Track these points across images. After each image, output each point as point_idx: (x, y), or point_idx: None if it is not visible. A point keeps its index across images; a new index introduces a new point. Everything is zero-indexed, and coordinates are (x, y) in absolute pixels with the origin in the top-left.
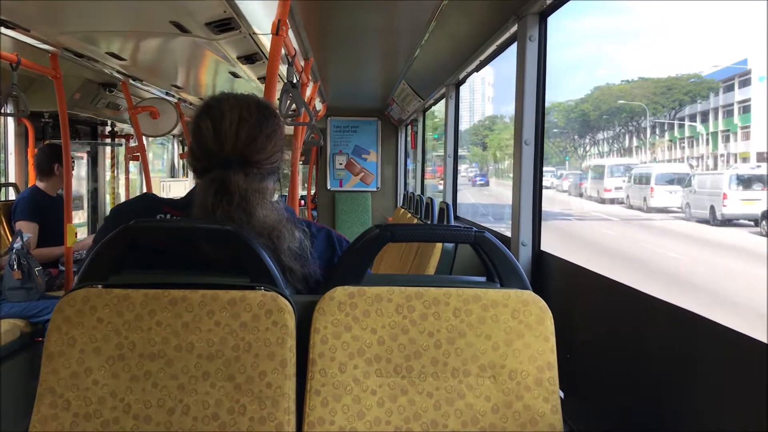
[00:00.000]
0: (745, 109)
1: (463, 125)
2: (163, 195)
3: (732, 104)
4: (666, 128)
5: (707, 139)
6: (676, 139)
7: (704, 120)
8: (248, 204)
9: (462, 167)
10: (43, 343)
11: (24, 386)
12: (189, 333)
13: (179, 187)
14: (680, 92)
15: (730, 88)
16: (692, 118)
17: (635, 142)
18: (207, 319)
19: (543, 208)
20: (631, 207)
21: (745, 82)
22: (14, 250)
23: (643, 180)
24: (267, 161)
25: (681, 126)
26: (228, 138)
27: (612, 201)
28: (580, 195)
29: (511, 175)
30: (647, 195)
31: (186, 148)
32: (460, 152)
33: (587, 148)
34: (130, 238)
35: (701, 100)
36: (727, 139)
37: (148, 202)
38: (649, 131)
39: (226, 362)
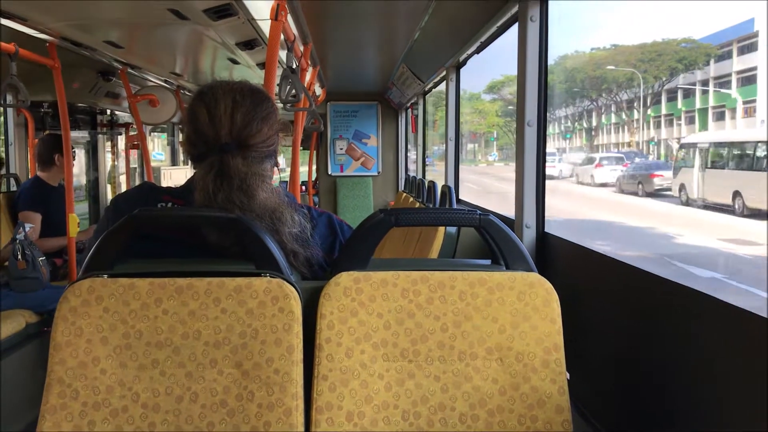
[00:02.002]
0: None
1: None
2: (164, 182)
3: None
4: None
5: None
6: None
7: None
8: (249, 187)
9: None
10: (49, 333)
11: (31, 376)
12: (195, 321)
13: (180, 175)
14: (673, 59)
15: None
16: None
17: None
18: (213, 306)
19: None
20: None
21: (744, 49)
22: (18, 240)
23: None
24: (263, 144)
25: (705, 93)
26: (224, 123)
27: None
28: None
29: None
30: None
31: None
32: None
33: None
34: (134, 227)
35: (696, 68)
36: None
37: (147, 192)
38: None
39: (233, 349)
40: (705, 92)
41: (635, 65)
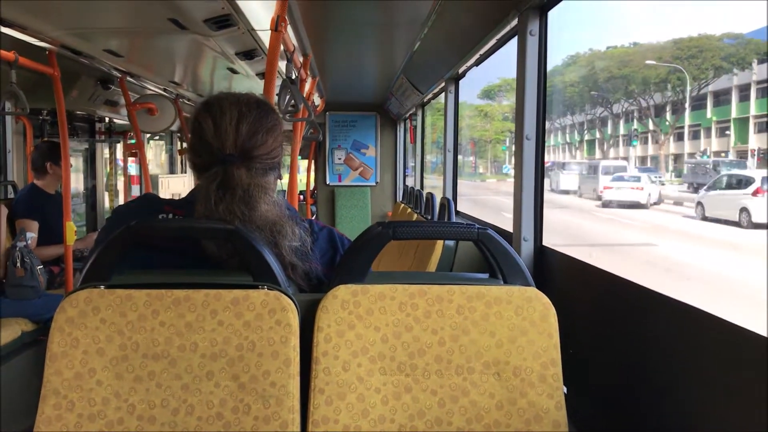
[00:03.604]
0: None
1: None
2: (162, 190)
3: None
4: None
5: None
6: None
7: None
8: (251, 198)
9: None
10: (45, 341)
11: (26, 385)
12: (192, 333)
13: (178, 183)
14: (716, 56)
15: None
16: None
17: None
18: (210, 318)
19: None
20: None
21: None
22: (17, 248)
23: None
24: (268, 156)
25: None
26: (229, 134)
27: None
28: None
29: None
30: None
31: (184, 145)
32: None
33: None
34: (132, 238)
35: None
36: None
37: (148, 203)
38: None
39: (229, 361)
40: None
41: (670, 62)
